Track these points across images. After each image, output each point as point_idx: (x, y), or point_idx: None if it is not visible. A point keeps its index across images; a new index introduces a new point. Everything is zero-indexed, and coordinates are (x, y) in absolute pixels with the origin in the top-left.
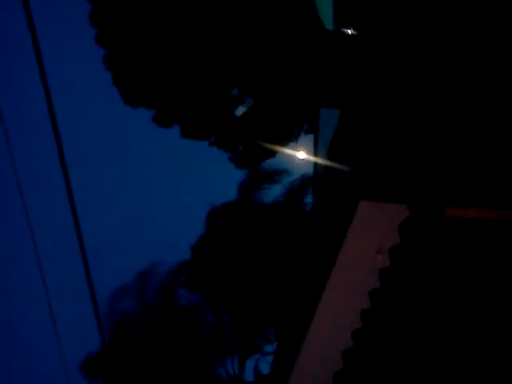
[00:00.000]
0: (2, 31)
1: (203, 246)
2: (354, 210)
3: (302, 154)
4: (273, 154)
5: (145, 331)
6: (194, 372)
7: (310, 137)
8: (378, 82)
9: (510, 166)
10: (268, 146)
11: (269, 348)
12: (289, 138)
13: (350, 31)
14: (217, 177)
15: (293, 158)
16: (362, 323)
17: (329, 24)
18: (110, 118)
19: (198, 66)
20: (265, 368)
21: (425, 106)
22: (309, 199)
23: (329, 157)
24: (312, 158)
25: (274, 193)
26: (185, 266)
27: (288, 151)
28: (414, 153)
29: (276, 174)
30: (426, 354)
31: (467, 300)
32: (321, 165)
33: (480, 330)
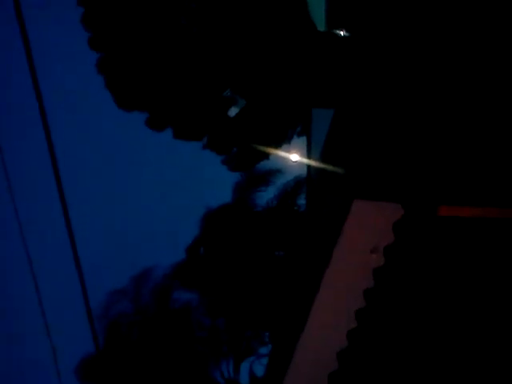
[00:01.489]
0: None
1: (198, 247)
2: (348, 208)
3: (295, 156)
4: (266, 155)
5: (139, 334)
6: (189, 375)
7: (303, 138)
8: (371, 83)
9: (503, 165)
10: (261, 148)
11: (263, 350)
12: (282, 140)
13: (342, 32)
14: (211, 179)
15: (286, 159)
16: (356, 323)
17: (321, 25)
18: (104, 121)
19: (191, 67)
20: (259, 370)
21: (418, 105)
22: (302, 200)
23: (322, 158)
24: (305, 160)
25: (267, 194)
26: (180, 268)
27: (281, 153)
28: (408, 152)
29: (269, 176)
30: (422, 354)
31: (462, 299)
32: (314, 166)
33: (475, 328)
